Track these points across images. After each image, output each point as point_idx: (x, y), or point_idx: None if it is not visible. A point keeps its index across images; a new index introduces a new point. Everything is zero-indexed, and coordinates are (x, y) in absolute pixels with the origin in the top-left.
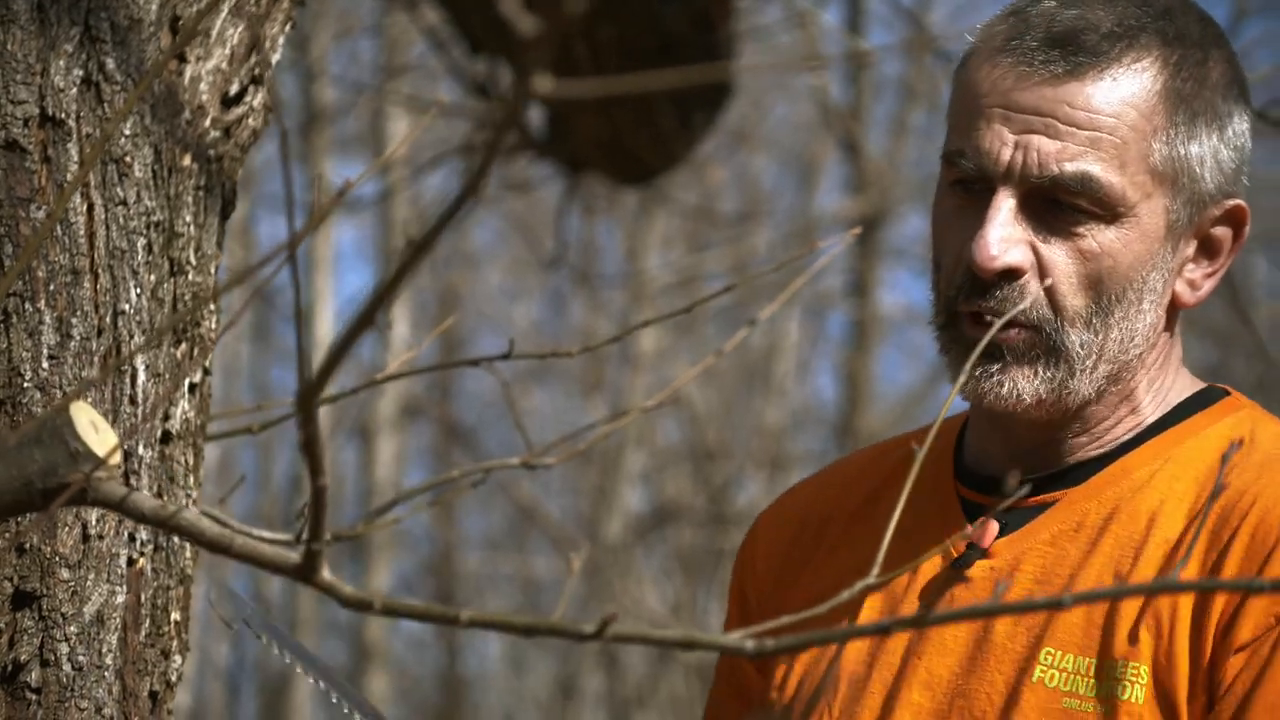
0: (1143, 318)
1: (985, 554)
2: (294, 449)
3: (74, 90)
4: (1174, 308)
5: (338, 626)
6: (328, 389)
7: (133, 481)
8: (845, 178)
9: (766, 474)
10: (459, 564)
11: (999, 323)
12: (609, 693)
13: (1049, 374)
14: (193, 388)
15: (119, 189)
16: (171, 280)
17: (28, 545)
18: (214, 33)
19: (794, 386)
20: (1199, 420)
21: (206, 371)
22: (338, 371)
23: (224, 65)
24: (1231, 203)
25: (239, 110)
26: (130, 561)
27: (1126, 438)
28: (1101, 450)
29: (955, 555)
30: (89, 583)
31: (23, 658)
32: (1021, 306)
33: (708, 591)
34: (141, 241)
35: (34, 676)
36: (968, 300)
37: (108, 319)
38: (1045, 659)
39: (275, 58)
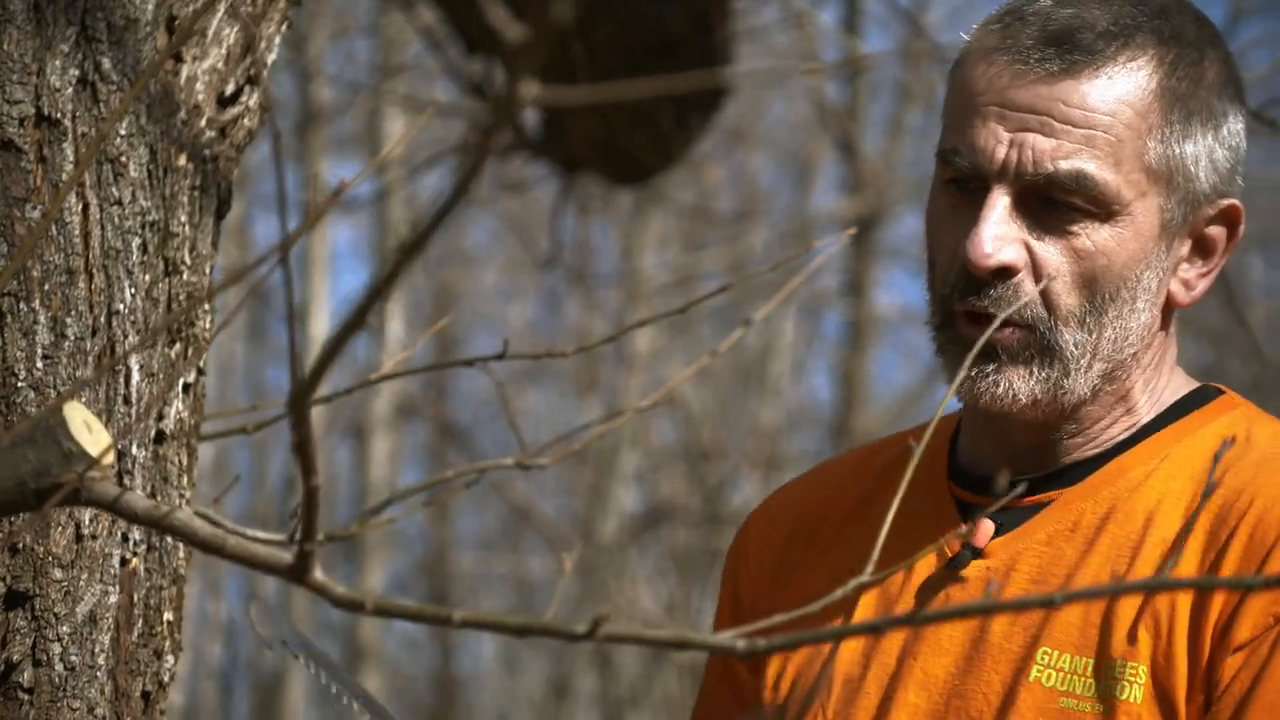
0: (1137, 317)
1: (981, 554)
2: (289, 449)
3: (70, 90)
4: (1169, 307)
5: (332, 626)
6: (322, 389)
7: (126, 482)
8: (841, 178)
9: (761, 474)
10: (453, 564)
11: (996, 322)
12: (602, 693)
13: (1044, 373)
14: (187, 388)
15: (114, 189)
16: (166, 280)
17: (21, 545)
18: (210, 33)
19: (789, 386)
20: (1194, 419)
21: (201, 371)
22: (330, 372)
23: (220, 65)
24: (1226, 202)
25: (234, 110)
26: (123, 561)
27: (1122, 437)
28: (1097, 450)
29: (951, 556)
30: (82, 583)
31: (15, 658)
32: (1018, 306)
33: (702, 591)
34: (136, 241)
35: (26, 676)
36: (962, 299)
37: (102, 319)
38: (1042, 659)
39: (271, 58)
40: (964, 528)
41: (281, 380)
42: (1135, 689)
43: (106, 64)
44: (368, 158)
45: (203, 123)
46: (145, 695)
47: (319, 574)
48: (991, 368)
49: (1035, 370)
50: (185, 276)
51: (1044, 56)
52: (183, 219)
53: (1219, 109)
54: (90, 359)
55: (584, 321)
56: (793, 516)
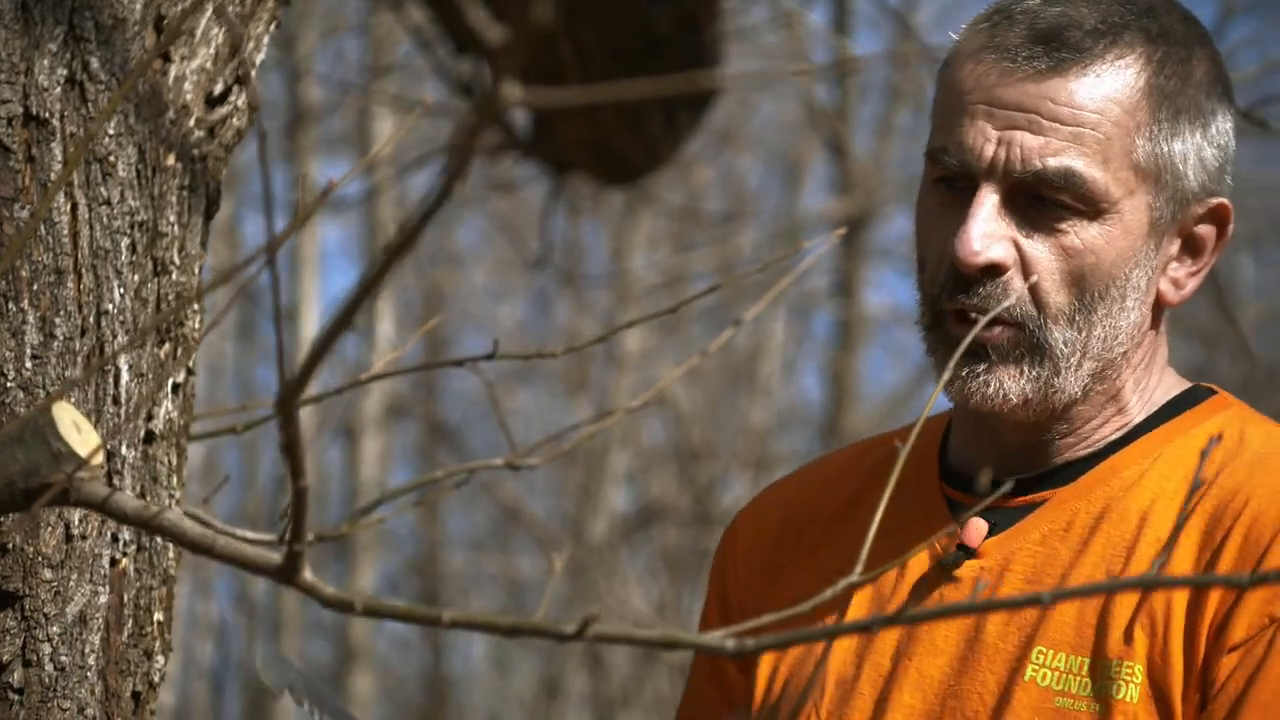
0: (1126, 315)
1: (974, 554)
2: (278, 449)
3: (58, 90)
4: (1158, 306)
5: (322, 627)
6: (311, 389)
7: (115, 482)
8: (831, 178)
9: (751, 474)
10: (444, 564)
11: (983, 320)
12: (594, 693)
13: (1034, 373)
14: (176, 388)
15: (103, 189)
16: (155, 280)
17: (10, 545)
18: (198, 32)
19: (779, 387)
20: (1187, 419)
21: (190, 371)
22: (318, 372)
23: (208, 65)
24: (1215, 201)
25: (223, 110)
26: (113, 562)
27: (1114, 437)
28: (1089, 450)
29: (944, 556)
30: (72, 583)
31: (5, 658)
32: (1007, 304)
33: (693, 591)
34: (125, 241)
35: (16, 677)
36: (951, 297)
37: (91, 319)
38: (1037, 658)
39: (260, 57)
40: (954, 527)
41: (271, 380)
42: (1131, 688)
43: (95, 63)
44: (357, 157)
45: (191, 122)
46: (135, 695)
47: (308, 574)
48: (982, 368)
49: (1026, 369)
50: (174, 276)
51: (1032, 55)
52: (171, 219)
53: (1207, 107)
54: (79, 359)
55: (574, 322)
56: (781, 516)
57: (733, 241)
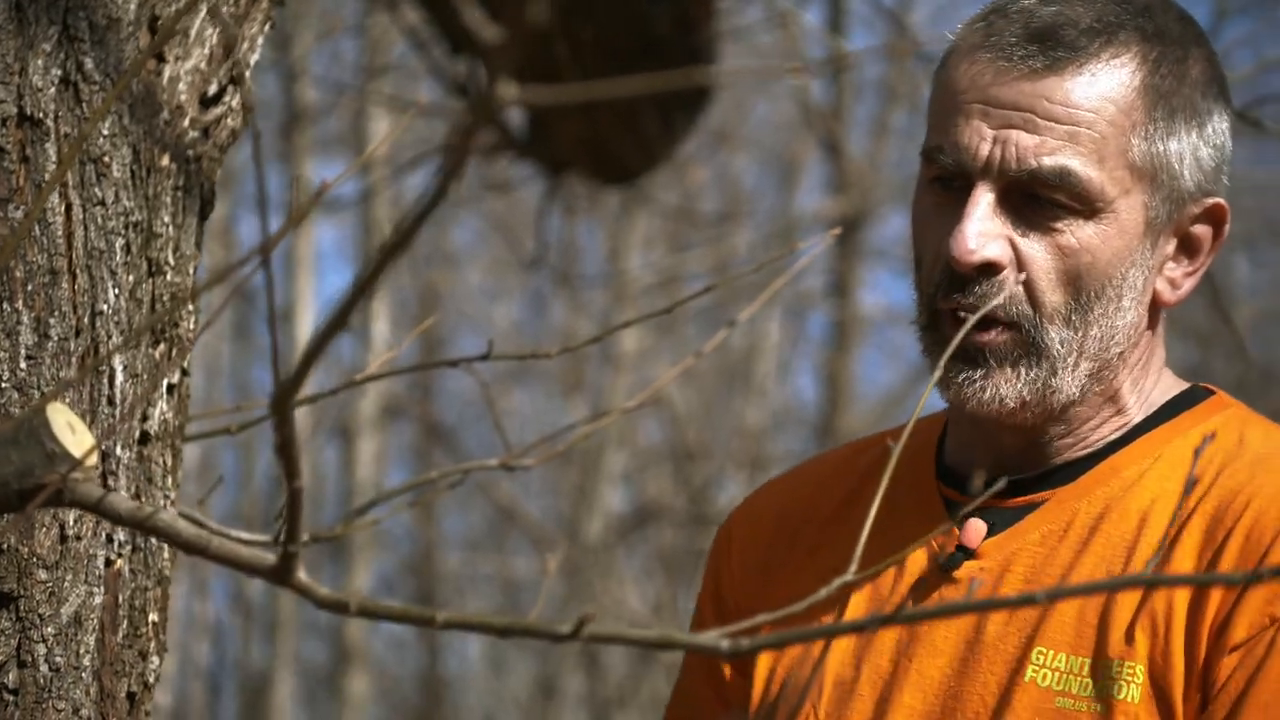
0: (1123, 315)
1: (973, 555)
2: (273, 449)
3: (52, 90)
4: (1155, 307)
5: (318, 627)
6: (307, 389)
7: (110, 482)
8: (826, 178)
9: (747, 474)
10: (439, 564)
11: (975, 317)
12: (590, 693)
13: (1031, 374)
14: (171, 388)
15: (97, 189)
16: (150, 280)
17: (5, 546)
18: (193, 33)
19: (774, 387)
20: (1185, 419)
21: (185, 372)
22: (313, 373)
23: (203, 65)
24: (1211, 201)
25: (217, 110)
26: (108, 562)
27: (1113, 437)
28: (1087, 450)
29: (943, 557)
30: (66, 584)
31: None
32: (998, 300)
33: (689, 592)
34: (120, 242)
35: (11, 678)
36: (946, 297)
37: (85, 319)
38: (1037, 659)
39: (254, 58)
40: (950, 526)
41: (267, 380)
42: (1133, 689)
43: (89, 64)
44: (353, 158)
45: (185, 123)
46: (130, 696)
47: (303, 575)
48: (979, 373)
49: (1022, 372)
50: (169, 277)
51: (1027, 54)
52: (166, 219)
53: (1203, 107)
54: (74, 360)
55: (570, 322)
56: (776, 515)
57: (728, 242)
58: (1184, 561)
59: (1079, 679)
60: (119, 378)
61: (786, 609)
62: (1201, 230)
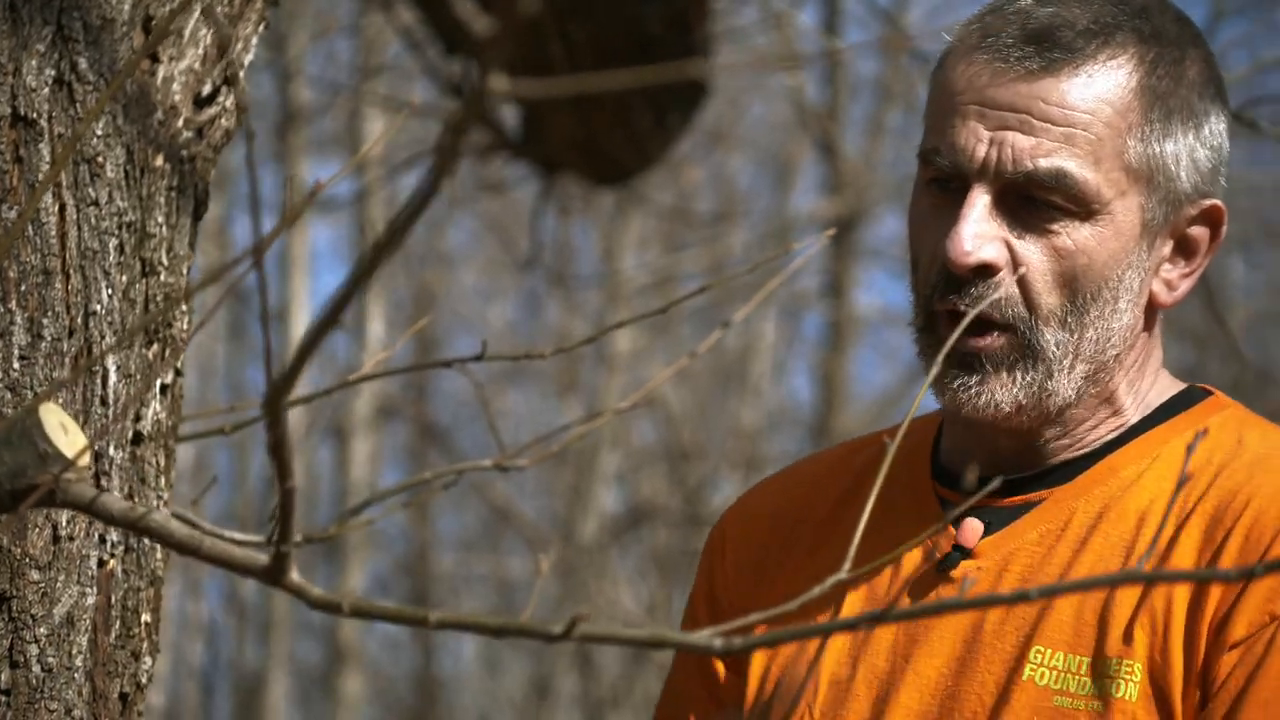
0: (1119, 317)
1: (970, 554)
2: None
3: (46, 90)
4: (1151, 308)
5: (312, 628)
6: (301, 389)
7: (104, 483)
8: (821, 178)
9: (741, 475)
10: (434, 564)
11: (969, 316)
12: (584, 693)
13: (1027, 378)
14: (164, 389)
15: (91, 189)
16: (143, 281)
17: None
18: (186, 33)
19: (769, 387)
20: (1183, 420)
21: (178, 372)
22: (308, 373)
23: (196, 66)
24: (1208, 202)
25: (211, 111)
26: (101, 563)
27: (1109, 438)
28: (1084, 451)
29: (940, 556)
30: (59, 584)
31: None
32: (991, 298)
33: (683, 592)
34: (113, 242)
35: (3, 678)
36: (943, 298)
37: (79, 319)
38: (1035, 657)
39: (248, 58)
40: (945, 525)
41: (261, 381)
42: (1131, 687)
43: (83, 64)
44: (348, 158)
45: (179, 123)
46: (123, 697)
47: (295, 575)
48: (974, 379)
49: (1018, 376)
50: (162, 277)
51: (1024, 55)
52: (160, 219)
53: (1200, 108)
54: (67, 360)
55: (564, 322)
56: (770, 514)
57: (723, 242)
58: (1183, 561)
59: (1077, 678)
60: (112, 378)
61: (780, 608)
62: (1198, 232)
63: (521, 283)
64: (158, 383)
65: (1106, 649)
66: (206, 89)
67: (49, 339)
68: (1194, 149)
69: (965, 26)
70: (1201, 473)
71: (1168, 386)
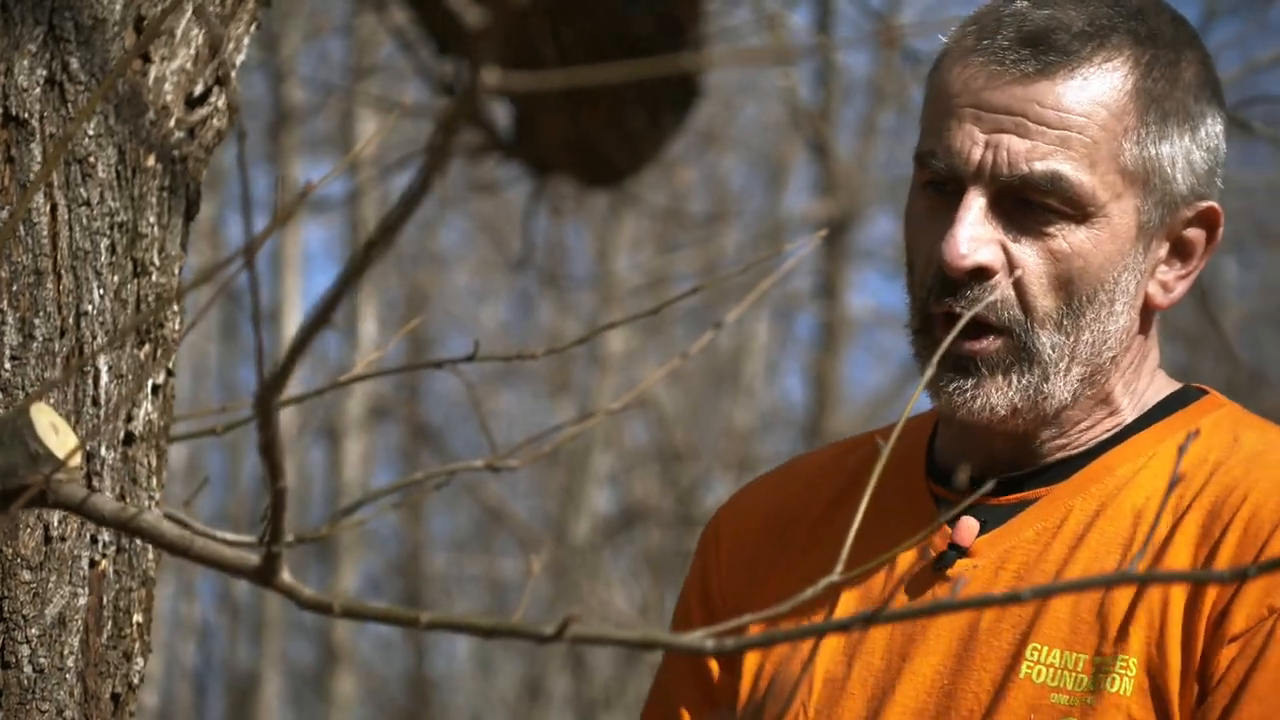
0: (1115, 320)
1: (966, 553)
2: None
3: (37, 90)
4: (1147, 310)
5: (305, 628)
6: (293, 389)
7: (95, 483)
8: (814, 179)
9: (734, 475)
10: (427, 565)
11: (964, 318)
12: (576, 694)
13: (1023, 381)
14: (156, 389)
15: (82, 189)
16: (135, 281)
17: None
18: (178, 33)
19: (762, 388)
20: (1178, 419)
21: (170, 373)
22: (300, 373)
23: (188, 66)
24: (1204, 204)
25: (203, 111)
26: (92, 563)
27: (1105, 436)
28: (1080, 449)
29: (936, 555)
30: (51, 584)
31: None
32: (987, 300)
33: (674, 592)
34: (105, 242)
35: None
36: (939, 300)
37: (70, 320)
38: (1032, 655)
39: (240, 58)
40: (941, 524)
41: (253, 381)
42: (1125, 681)
43: (74, 64)
44: (340, 159)
45: (171, 123)
46: (115, 697)
47: (286, 576)
48: (970, 383)
49: (1014, 379)
50: (154, 277)
51: (1019, 58)
52: (151, 220)
53: (1196, 110)
54: (58, 360)
55: (557, 323)
56: (764, 513)
57: (716, 243)
58: (1181, 558)
59: (1074, 675)
60: (104, 378)
61: (773, 609)
62: (1194, 234)
63: (514, 283)
64: (149, 383)
65: (1103, 645)
66: (198, 89)
67: (40, 339)
68: (1190, 151)
69: (961, 29)
70: (1198, 469)
71: (1164, 386)
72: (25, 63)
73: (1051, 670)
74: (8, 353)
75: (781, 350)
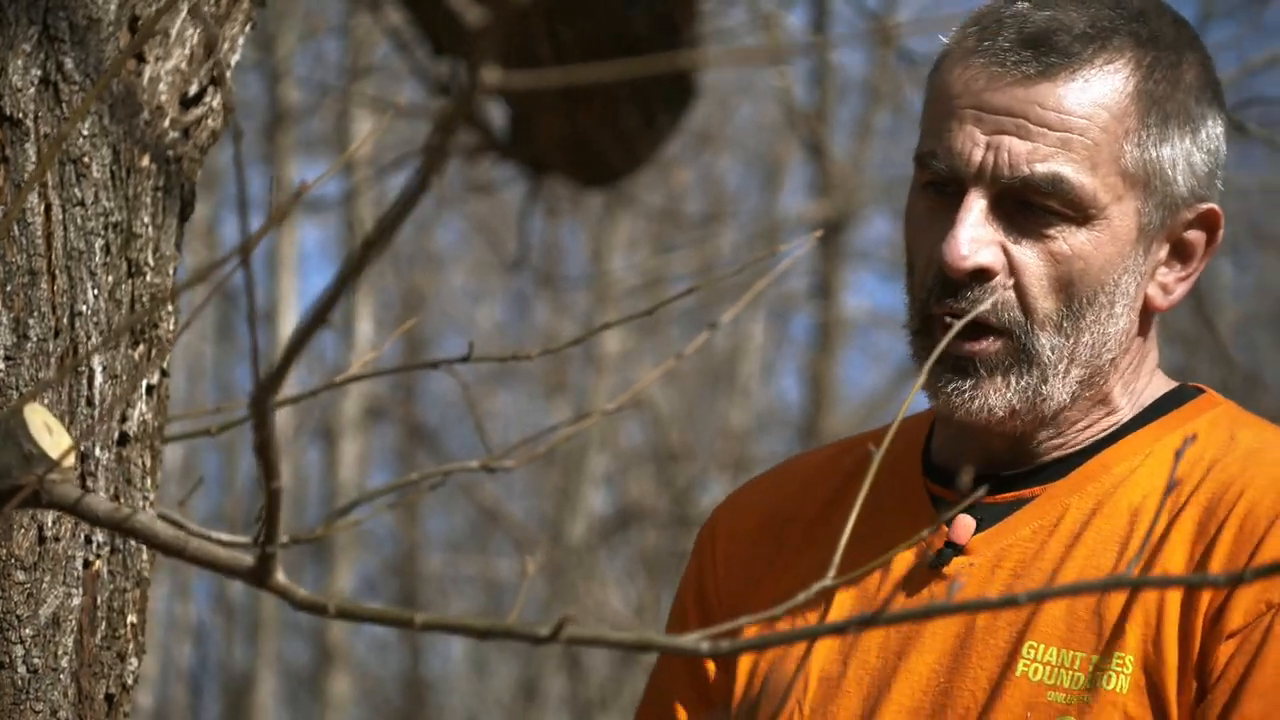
0: (1115, 322)
1: (962, 551)
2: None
3: (32, 90)
4: (1147, 312)
5: (301, 628)
6: (289, 390)
7: (90, 484)
8: (810, 180)
9: (730, 476)
10: (422, 565)
11: (961, 322)
12: (571, 695)
13: (1021, 383)
14: (150, 389)
15: (77, 189)
16: (129, 281)
17: None
18: (173, 33)
19: (758, 388)
20: (1175, 417)
21: (164, 373)
22: (292, 372)
23: (183, 66)
24: (1205, 206)
25: (198, 111)
26: (86, 564)
27: (1102, 435)
28: (1077, 448)
29: (932, 553)
30: (45, 585)
31: None
32: (984, 306)
33: (671, 593)
34: (99, 242)
35: None
36: (939, 302)
37: (65, 320)
38: (1028, 653)
39: (235, 58)
40: (938, 524)
41: (249, 381)
42: (1121, 679)
43: (69, 64)
44: (336, 159)
45: (166, 123)
46: (109, 698)
47: (281, 576)
48: (968, 384)
49: (1013, 381)
50: (148, 278)
51: (1020, 59)
52: (146, 220)
53: (1197, 112)
54: (53, 360)
55: (553, 324)
56: (760, 513)
57: (712, 243)
58: (1177, 555)
59: (1070, 673)
60: (98, 378)
61: (767, 612)
62: (1194, 236)
63: (510, 284)
64: (144, 383)
65: (1100, 643)
66: (193, 89)
67: (34, 339)
68: (1190, 153)
69: (961, 29)
70: (1194, 467)
71: (1161, 386)
72: (20, 62)
73: (1048, 668)
74: (2, 353)
75: (777, 351)
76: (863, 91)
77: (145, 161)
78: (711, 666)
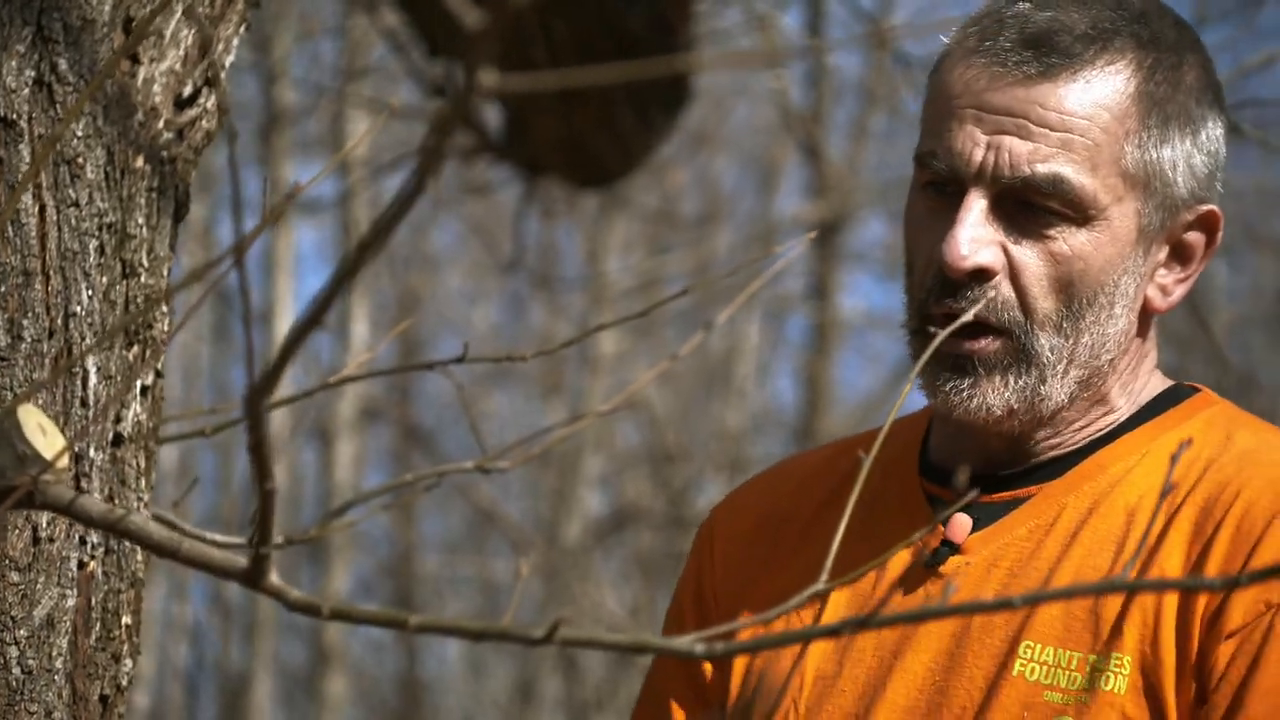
0: (1114, 322)
1: (959, 550)
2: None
3: (26, 91)
4: (1146, 313)
5: (297, 629)
6: (284, 390)
7: (84, 484)
8: (805, 181)
9: (726, 477)
10: (418, 566)
11: (958, 321)
12: (568, 696)
13: (1020, 383)
14: (144, 390)
15: (71, 190)
16: (124, 282)
17: None
18: (167, 34)
19: (754, 389)
20: (1171, 416)
21: (159, 374)
22: (288, 373)
23: (177, 67)
24: (1204, 208)
25: (192, 112)
26: (81, 565)
27: (1099, 435)
28: (1074, 447)
29: (928, 552)
30: (39, 586)
31: None
32: (981, 305)
33: (667, 595)
34: (93, 243)
35: None
36: (938, 301)
37: (59, 321)
38: (1025, 652)
39: (229, 59)
40: (935, 524)
41: (244, 382)
42: (1119, 679)
43: (63, 65)
44: (331, 160)
45: (160, 124)
46: (103, 699)
47: (275, 578)
48: (967, 383)
49: (1011, 380)
50: (143, 278)
51: (1021, 59)
52: (140, 221)
53: (1197, 114)
54: (47, 361)
55: (548, 325)
56: (758, 513)
57: (707, 244)
58: (1173, 555)
59: (1067, 672)
60: (92, 379)
61: (762, 615)
62: (1194, 237)
63: (505, 285)
64: (138, 384)
65: (1096, 643)
66: (187, 90)
67: (29, 340)
68: (1191, 155)
69: (962, 30)
70: (1191, 467)
71: (1158, 386)
72: (13, 63)
73: (1045, 668)
74: None
75: (773, 352)
76: (858, 93)
77: (140, 162)
78: (707, 666)
